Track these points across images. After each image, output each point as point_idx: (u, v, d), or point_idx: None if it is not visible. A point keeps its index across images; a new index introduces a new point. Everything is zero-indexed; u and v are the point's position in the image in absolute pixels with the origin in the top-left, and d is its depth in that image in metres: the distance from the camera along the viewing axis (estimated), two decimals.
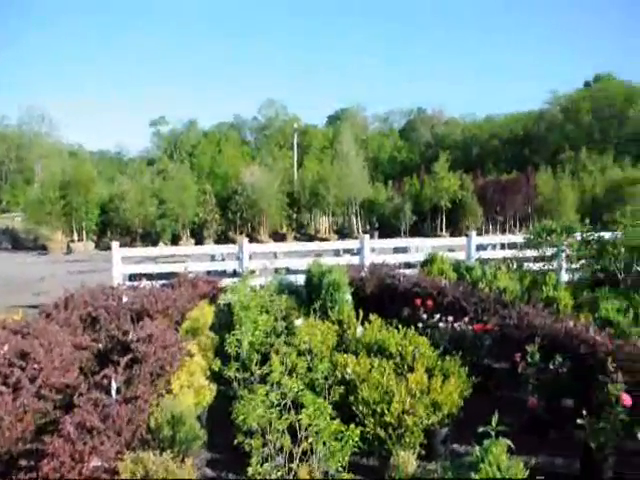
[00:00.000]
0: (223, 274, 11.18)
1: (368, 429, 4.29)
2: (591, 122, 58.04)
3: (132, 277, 10.53)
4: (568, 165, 39.73)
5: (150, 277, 9.95)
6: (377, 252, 12.23)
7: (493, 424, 3.45)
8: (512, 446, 3.45)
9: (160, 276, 10.13)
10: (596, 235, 9.67)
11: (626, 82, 59.54)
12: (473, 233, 11.90)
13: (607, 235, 9.68)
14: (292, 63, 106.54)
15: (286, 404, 3.93)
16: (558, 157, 45.67)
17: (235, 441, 3.77)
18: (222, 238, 32.58)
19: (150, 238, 31.01)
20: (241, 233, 32.81)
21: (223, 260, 12.45)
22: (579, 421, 4.37)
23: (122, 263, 9.99)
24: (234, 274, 10.82)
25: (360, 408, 4.40)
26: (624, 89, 58.31)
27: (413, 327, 6.21)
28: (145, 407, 4.11)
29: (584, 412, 4.41)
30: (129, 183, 31.82)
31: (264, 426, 3.75)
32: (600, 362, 4.69)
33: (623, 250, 8.83)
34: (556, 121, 60.69)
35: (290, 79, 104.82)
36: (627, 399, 4.21)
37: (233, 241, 27.86)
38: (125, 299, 7.06)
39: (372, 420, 4.33)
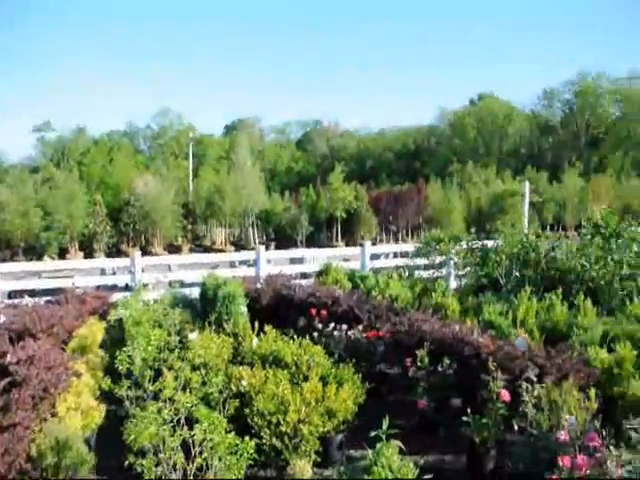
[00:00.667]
0: (114, 289, 10.74)
1: (264, 440, 4.29)
2: (476, 137, 61.82)
3: (12, 294, 9.86)
4: (456, 177, 41.98)
5: (33, 294, 9.36)
6: (273, 263, 12.26)
7: (384, 428, 3.57)
8: (403, 447, 3.59)
9: (45, 292, 9.55)
10: (480, 243, 10.27)
11: (506, 102, 64.11)
12: (367, 243, 12.26)
13: (490, 243, 10.31)
14: (190, 72, 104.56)
15: (180, 420, 3.84)
16: (447, 170, 48.11)
17: (126, 462, 3.63)
18: (114, 251, 31.24)
19: (34, 252, 29.10)
20: (134, 245, 31.62)
21: (114, 274, 11.96)
22: (464, 418, 4.62)
23: (0, 279, 9.33)
24: (126, 288, 10.43)
25: (255, 420, 4.39)
26: (504, 108, 62.73)
27: (309, 337, 6.29)
28: (25, 434, 3.84)
29: (469, 410, 4.67)
30: (9, 192, 29.71)
31: (157, 444, 3.64)
32: (483, 362, 4.98)
33: (504, 257, 9.44)
34: (445, 136, 64.08)
35: (186, 88, 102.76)
36: (506, 395, 4.50)
37: (125, 254, 26.80)
38: (2, 319, 6.58)
39: (268, 431, 4.33)
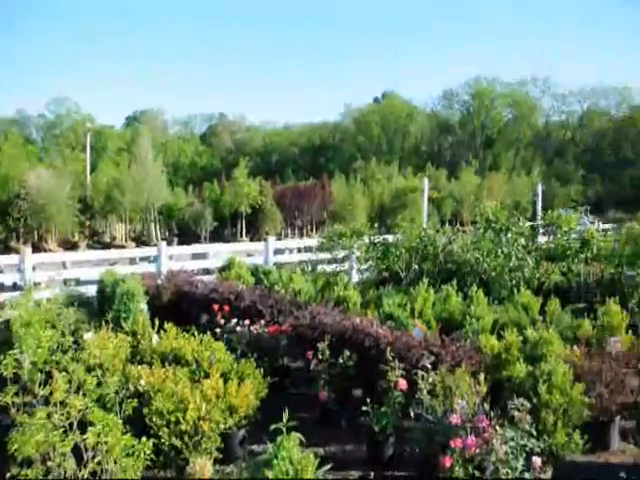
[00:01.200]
0: (1, 288, 10.05)
1: (163, 440, 4.18)
2: (380, 135, 63.52)
3: None
4: (360, 173, 42.89)
5: None
6: (175, 259, 11.96)
7: (284, 421, 3.59)
8: (303, 440, 3.62)
9: None
10: (381, 238, 10.56)
11: (408, 101, 66.33)
12: (271, 238, 12.26)
13: (390, 238, 10.62)
14: (91, 58, 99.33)
15: (72, 424, 3.66)
16: (351, 166, 49.04)
17: (8, 474, 3.41)
18: (1, 248, 29.22)
19: None
20: (25, 242, 29.72)
21: (1, 272, 11.19)
22: (364, 408, 4.74)
23: None
24: (14, 288, 9.79)
25: (154, 420, 4.27)
26: (406, 107, 64.87)
27: (211, 333, 6.20)
28: None
29: (369, 399, 4.79)
30: None
31: (45, 452, 3.45)
32: (382, 353, 5.12)
33: (404, 251, 9.77)
34: (349, 132, 65.29)
35: (85, 77, 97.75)
36: (403, 384, 4.67)
37: (15, 251, 25.15)
38: None
39: (167, 430, 4.22)
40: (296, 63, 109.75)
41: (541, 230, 10.40)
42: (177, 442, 4.22)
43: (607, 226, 20.08)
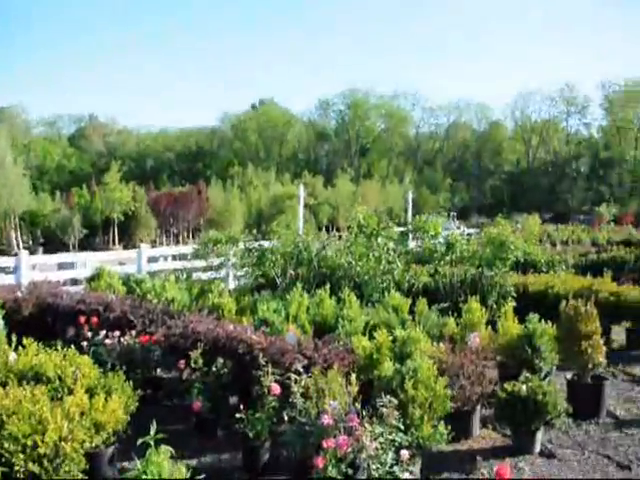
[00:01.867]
0: None
1: (17, 467, 3.84)
2: (257, 141, 63.72)
3: None
4: (237, 180, 42.71)
5: None
6: (39, 269, 11.17)
7: (152, 434, 3.45)
8: (173, 452, 3.50)
9: None
10: (256, 244, 10.53)
11: (285, 109, 67.17)
12: (144, 246, 11.84)
13: (266, 244, 10.63)
14: None
15: None
16: (228, 172, 48.69)
17: None
18: None
19: None
20: None
21: None
22: (238, 415, 4.69)
23: None
24: None
25: (6, 445, 3.92)
26: (284, 114, 65.67)
27: (77, 347, 5.84)
28: None
29: (243, 406, 4.74)
30: None
31: None
32: (255, 359, 5.10)
33: (279, 257, 9.82)
34: (227, 138, 64.82)
35: None
36: (276, 388, 4.67)
37: None
38: None
39: (22, 456, 3.89)
40: (172, 66, 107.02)
41: (411, 235, 10.91)
42: (35, 468, 3.90)
43: (471, 230, 21.54)
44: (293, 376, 4.45)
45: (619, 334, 9.23)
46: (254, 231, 11.73)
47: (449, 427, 4.58)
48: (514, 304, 7.98)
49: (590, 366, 6.09)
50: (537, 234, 18.23)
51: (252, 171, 46.03)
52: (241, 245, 10.67)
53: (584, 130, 65.88)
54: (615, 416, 6.07)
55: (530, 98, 64.30)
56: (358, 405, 4.29)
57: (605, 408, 6.12)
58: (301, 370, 4.59)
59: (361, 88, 66.11)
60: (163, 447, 3.43)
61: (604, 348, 6.19)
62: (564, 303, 6.32)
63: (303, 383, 4.48)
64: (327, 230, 33.36)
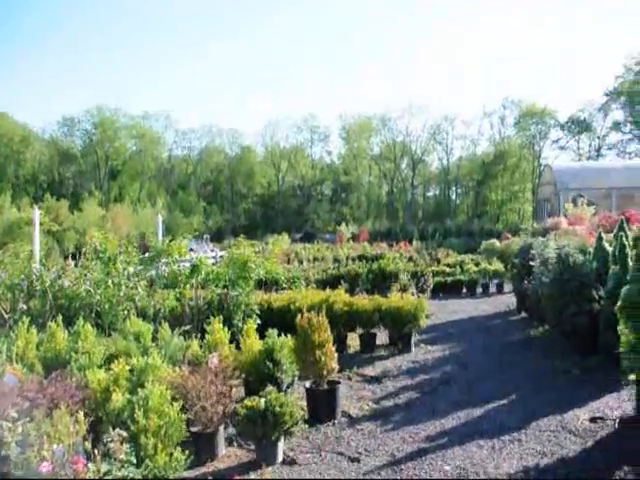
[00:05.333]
0: None
1: None
2: None
3: None
4: None
5: None
6: None
7: None
8: None
9: None
10: None
11: (23, 123, 60.71)
12: None
13: None
14: None
15: None
16: None
17: None
18: None
19: None
20: None
21: None
22: None
23: None
24: None
25: None
26: (21, 130, 59.25)
27: None
28: None
29: None
30: None
31: None
32: None
33: (6, 290, 8.75)
34: None
35: None
36: None
37: None
38: None
39: None
40: None
41: (164, 260, 10.64)
42: None
43: (224, 252, 21.88)
44: (5, 424, 3.94)
45: (355, 340, 10.16)
46: None
47: (187, 452, 4.50)
48: (259, 321, 8.30)
49: (325, 372, 6.56)
50: (281, 253, 19.23)
51: None
52: None
53: (327, 157, 72.16)
54: (349, 415, 6.64)
55: (278, 125, 68.34)
56: (89, 444, 3.98)
57: (340, 409, 6.64)
58: (15, 416, 4.09)
59: (109, 106, 63.21)
60: None
61: (337, 355, 6.75)
62: (299, 316, 6.70)
63: (20, 430, 4.00)
64: (74, 258, 30.94)
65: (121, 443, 3.75)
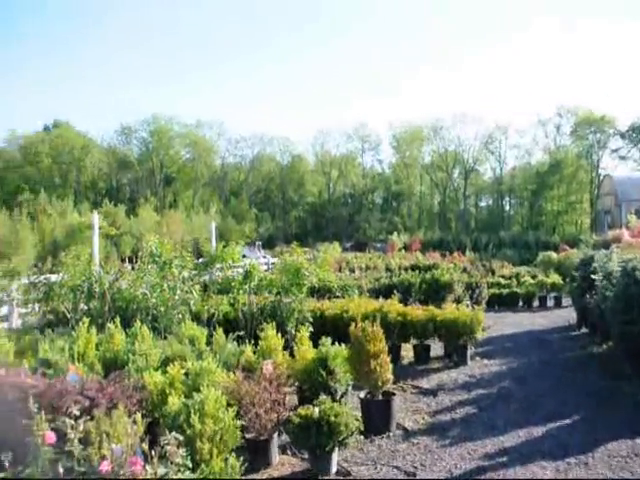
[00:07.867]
0: None
1: None
2: (51, 166, 58.75)
3: None
4: (27, 207, 38.84)
5: None
6: None
7: None
8: None
9: None
10: (42, 277, 9.56)
11: (83, 133, 63.08)
12: None
13: (54, 277, 9.69)
14: None
15: None
16: (16, 199, 44.15)
17: None
18: None
19: None
20: None
21: None
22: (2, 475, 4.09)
23: None
24: None
25: None
26: (81, 139, 61.56)
27: None
28: None
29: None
30: None
31: None
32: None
33: (69, 290, 9.01)
34: (15, 161, 58.81)
35: None
36: (51, 437, 4.16)
37: None
38: None
39: None
40: None
41: (218, 265, 10.74)
42: None
43: (276, 259, 22.02)
44: (68, 421, 4.00)
45: (409, 351, 9.98)
46: (48, 263, 10.64)
47: (242, 458, 4.46)
48: (312, 329, 8.23)
49: (380, 383, 6.44)
50: (333, 261, 19.18)
51: (45, 198, 42.22)
52: (24, 279, 9.61)
53: (377, 165, 71.99)
54: (404, 428, 6.49)
55: (329, 134, 68.62)
56: (145, 446, 3.99)
57: (395, 422, 6.49)
58: (77, 413, 4.15)
59: (164, 115, 64.80)
60: None
61: (391, 365, 6.61)
62: (353, 325, 6.61)
63: (82, 428, 4.05)
64: (130, 261, 31.79)
65: (177, 447, 3.74)
